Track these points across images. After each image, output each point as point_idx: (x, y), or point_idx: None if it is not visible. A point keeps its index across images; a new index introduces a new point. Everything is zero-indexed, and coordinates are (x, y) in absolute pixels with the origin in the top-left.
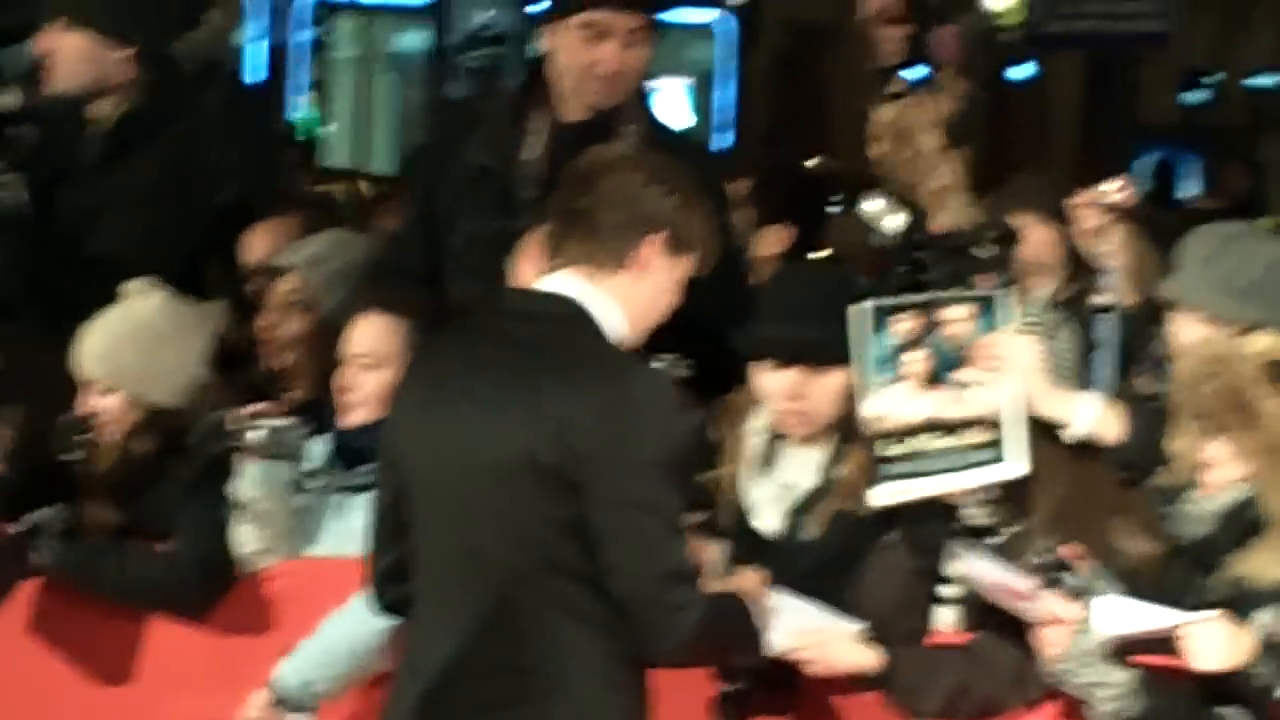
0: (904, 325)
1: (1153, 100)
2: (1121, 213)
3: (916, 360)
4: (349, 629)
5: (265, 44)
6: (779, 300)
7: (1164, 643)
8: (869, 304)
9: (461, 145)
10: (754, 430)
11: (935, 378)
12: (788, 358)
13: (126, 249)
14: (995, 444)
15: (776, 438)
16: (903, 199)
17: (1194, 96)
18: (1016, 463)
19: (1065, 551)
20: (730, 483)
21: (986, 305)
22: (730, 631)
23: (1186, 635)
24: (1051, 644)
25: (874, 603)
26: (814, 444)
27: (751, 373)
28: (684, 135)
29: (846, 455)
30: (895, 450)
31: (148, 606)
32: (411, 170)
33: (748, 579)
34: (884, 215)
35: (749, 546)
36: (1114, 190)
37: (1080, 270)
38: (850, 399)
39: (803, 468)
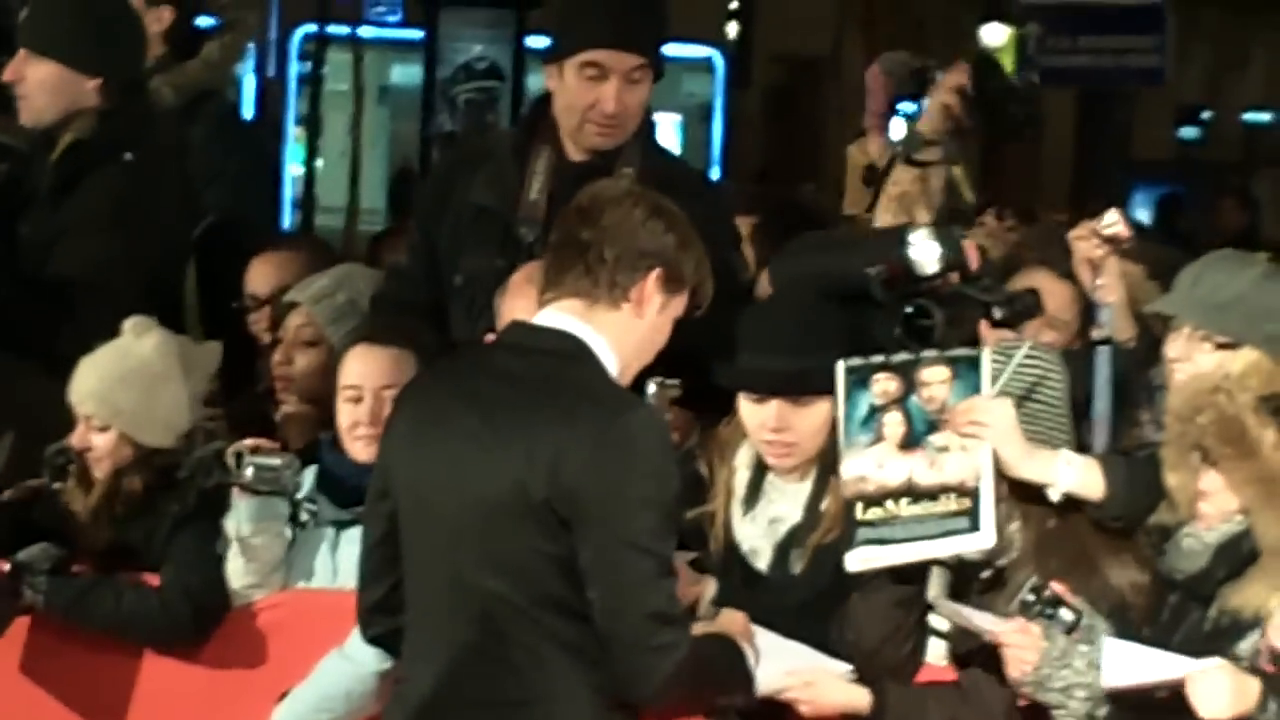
0: (883, 386)
1: (1147, 136)
2: (1117, 246)
3: (895, 422)
4: (346, 671)
5: (254, 78)
6: (759, 332)
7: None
8: (842, 365)
9: (464, 182)
10: (741, 465)
11: (913, 440)
12: (767, 389)
13: (80, 275)
14: (968, 513)
15: (762, 472)
16: (946, 233)
17: (1189, 132)
18: (987, 534)
19: (1057, 587)
20: (719, 517)
21: (966, 366)
22: (715, 674)
23: (1192, 683)
24: (1027, 650)
25: (862, 634)
26: (800, 478)
27: (739, 405)
28: (694, 171)
29: (831, 489)
30: (872, 514)
31: (139, 641)
32: (415, 205)
33: (734, 620)
34: (922, 248)
35: (739, 581)
36: (1110, 223)
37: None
38: (835, 431)
39: (789, 502)
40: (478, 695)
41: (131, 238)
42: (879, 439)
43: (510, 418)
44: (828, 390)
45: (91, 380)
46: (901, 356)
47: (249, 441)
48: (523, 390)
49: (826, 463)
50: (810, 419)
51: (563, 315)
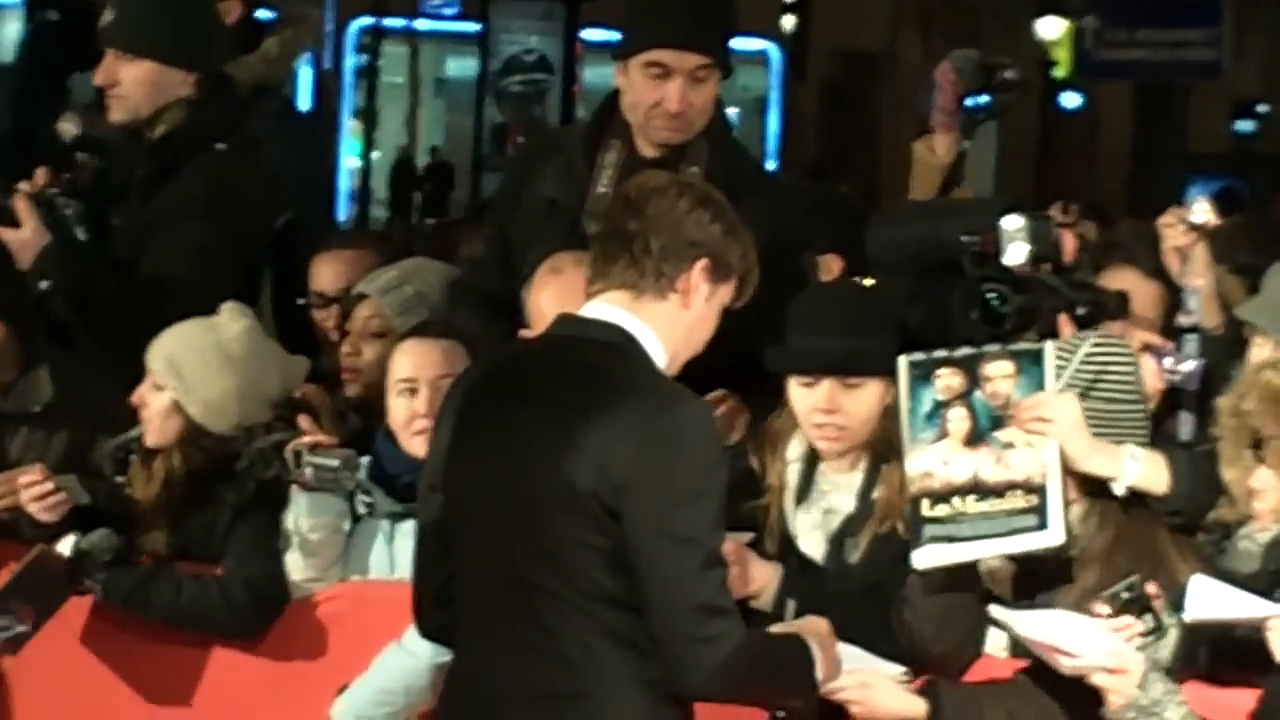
0: (946, 381)
1: (1203, 129)
2: (1205, 233)
3: (959, 418)
4: (404, 664)
5: (310, 71)
6: (807, 315)
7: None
8: (904, 360)
9: (536, 175)
10: (793, 457)
11: (978, 436)
12: (815, 369)
13: (176, 263)
14: (1036, 510)
15: (814, 464)
16: (1041, 226)
17: (1245, 125)
18: (1056, 531)
19: (1151, 589)
20: (773, 510)
21: (1030, 360)
22: (780, 674)
23: (1275, 627)
24: (1114, 693)
25: (919, 619)
26: (851, 468)
27: (789, 392)
28: (764, 169)
29: (884, 477)
30: (939, 511)
31: (199, 631)
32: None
33: (817, 625)
34: (1014, 238)
35: (795, 573)
36: (1199, 210)
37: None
38: (886, 417)
39: (842, 493)
40: (530, 688)
41: (226, 227)
42: (943, 435)
43: (558, 411)
44: (878, 372)
45: (167, 341)
46: (964, 351)
47: (307, 439)
48: (570, 383)
49: (878, 451)
50: (861, 401)
51: (609, 307)
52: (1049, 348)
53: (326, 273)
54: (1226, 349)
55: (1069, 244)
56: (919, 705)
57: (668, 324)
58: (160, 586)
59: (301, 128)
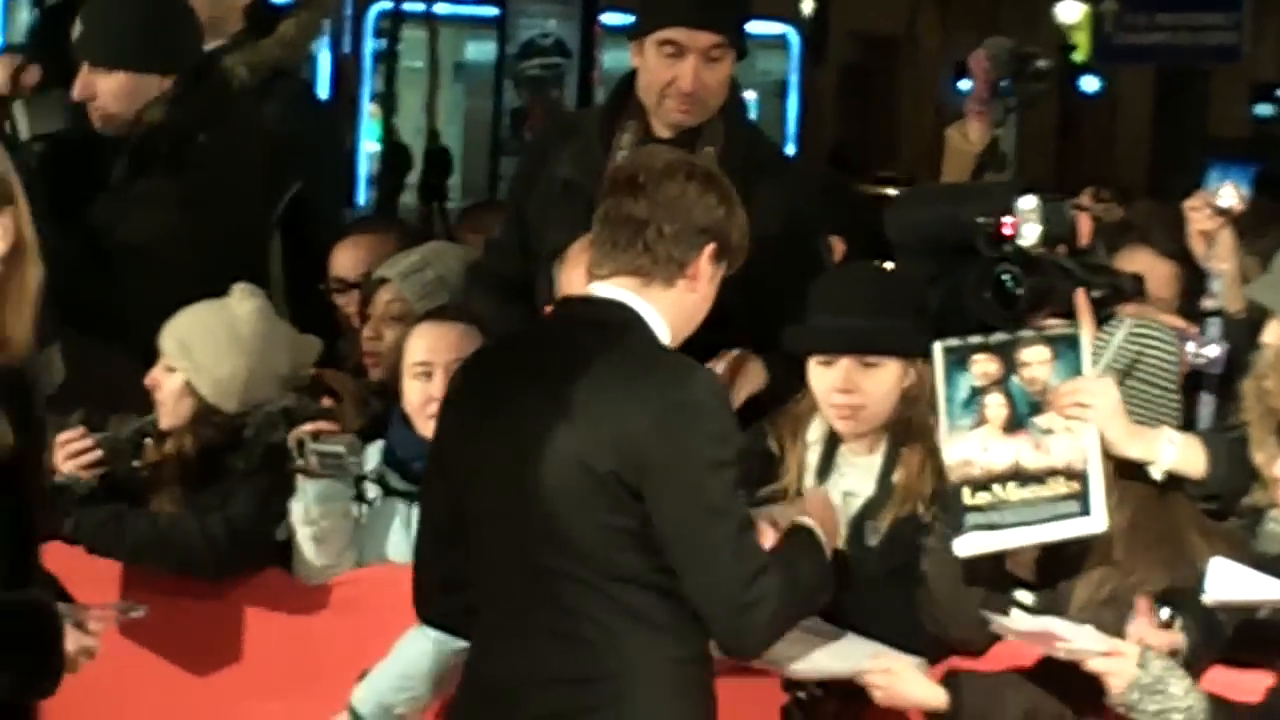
0: (982, 367)
1: (1223, 113)
2: (1231, 217)
3: (997, 404)
4: (426, 650)
5: (329, 55)
6: (825, 295)
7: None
8: (939, 346)
9: (553, 156)
10: (813, 440)
11: (1017, 422)
12: (833, 348)
13: (141, 249)
14: (1078, 496)
15: (834, 446)
16: (1055, 208)
17: (1264, 109)
18: (1098, 518)
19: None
20: (791, 493)
21: (1066, 345)
22: (810, 594)
23: None
24: (1115, 675)
25: (938, 598)
26: (870, 451)
27: (809, 373)
28: (781, 152)
29: (903, 461)
30: (980, 499)
31: (169, 565)
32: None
33: (814, 500)
34: (1027, 219)
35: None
36: (1225, 194)
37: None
38: (905, 399)
39: (861, 476)
40: (551, 673)
41: (199, 215)
42: (982, 421)
43: (571, 392)
44: (896, 352)
45: (179, 323)
46: (999, 336)
47: (309, 427)
48: (581, 364)
49: (897, 435)
50: (878, 381)
51: (617, 289)
52: (1085, 332)
53: (346, 258)
54: (1250, 333)
55: (1084, 226)
56: (940, 694)
57: (674, 307)
58: (135, 519)
59: (318, 111)
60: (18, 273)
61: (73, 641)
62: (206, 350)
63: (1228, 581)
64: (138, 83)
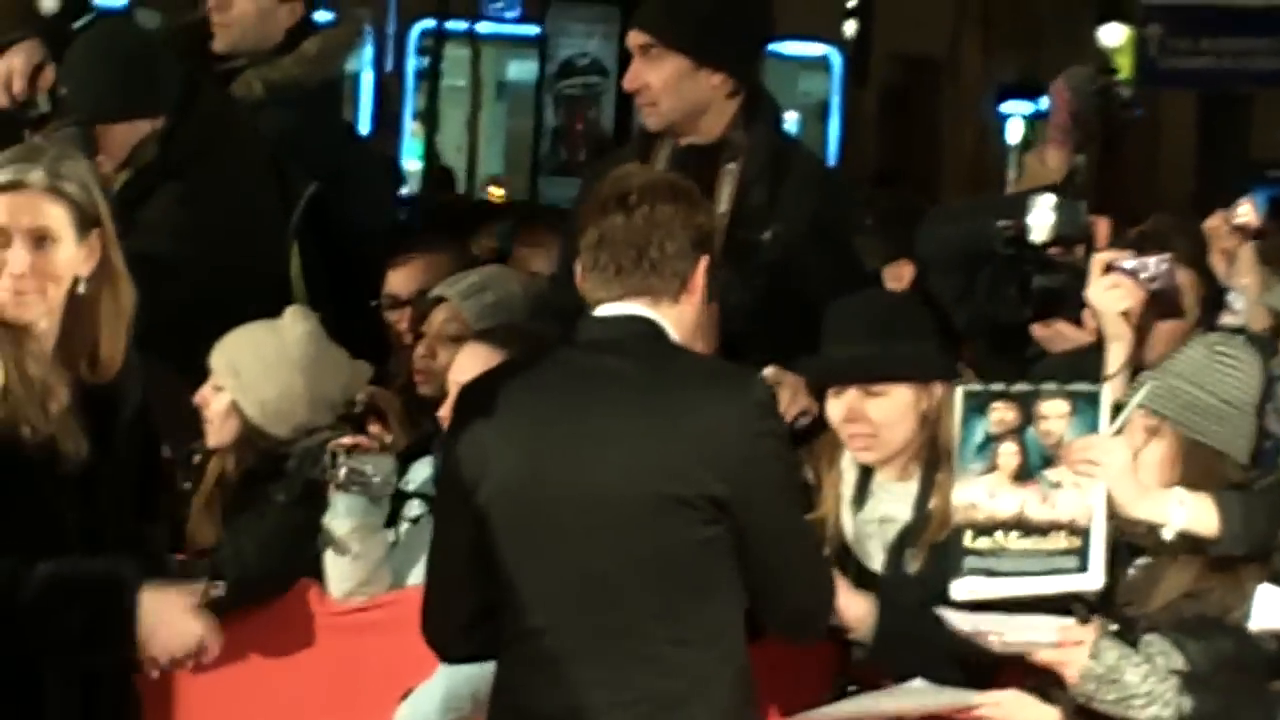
0: (1000, 415)
1: (1267, 138)
2: (1250, 234)
3: (1009, 453)
4: (471, 670)
5: (371, 73)
6: (830, 325)
7: None
8: (961, 390)
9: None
10: (847, 466)
11: (1028, 472)
12: (836, 377)
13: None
14: (1077, 552)
15: (869, 472)
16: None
17: None
18: (1095, 575)
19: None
20: (829, 520)
21: (1086, 401)
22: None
23: None
24: (1068, 666)
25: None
26: (905, 476)
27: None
28: (812, 159)
29: (939, 486)
30: (980, 544)
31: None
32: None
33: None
34: (1040, 214)
35: (856, 582)
36: (1242, 211)
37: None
38: (925, 423)
39: (897, 501)
40: (627, 697)
41: (203, 240)
42: (993, 468)
43: (631, 409)
44: (898, 377)
45: (230, 342)
46: (1021, 386)
47: (347, 440)
48: (631, 381)
49: (931, 459)
50: (884, 408)
51: (635, 307)
52: (1106, 391)
53: (400, 276)
54: (1273, 350)
55: (1102, 230)
56: (1054, 713)
57: (681, 320)
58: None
59: (344, 129)
60: (110, 294)
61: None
62: (254, 370)
63: (1273, 609)
64: (128, 130)
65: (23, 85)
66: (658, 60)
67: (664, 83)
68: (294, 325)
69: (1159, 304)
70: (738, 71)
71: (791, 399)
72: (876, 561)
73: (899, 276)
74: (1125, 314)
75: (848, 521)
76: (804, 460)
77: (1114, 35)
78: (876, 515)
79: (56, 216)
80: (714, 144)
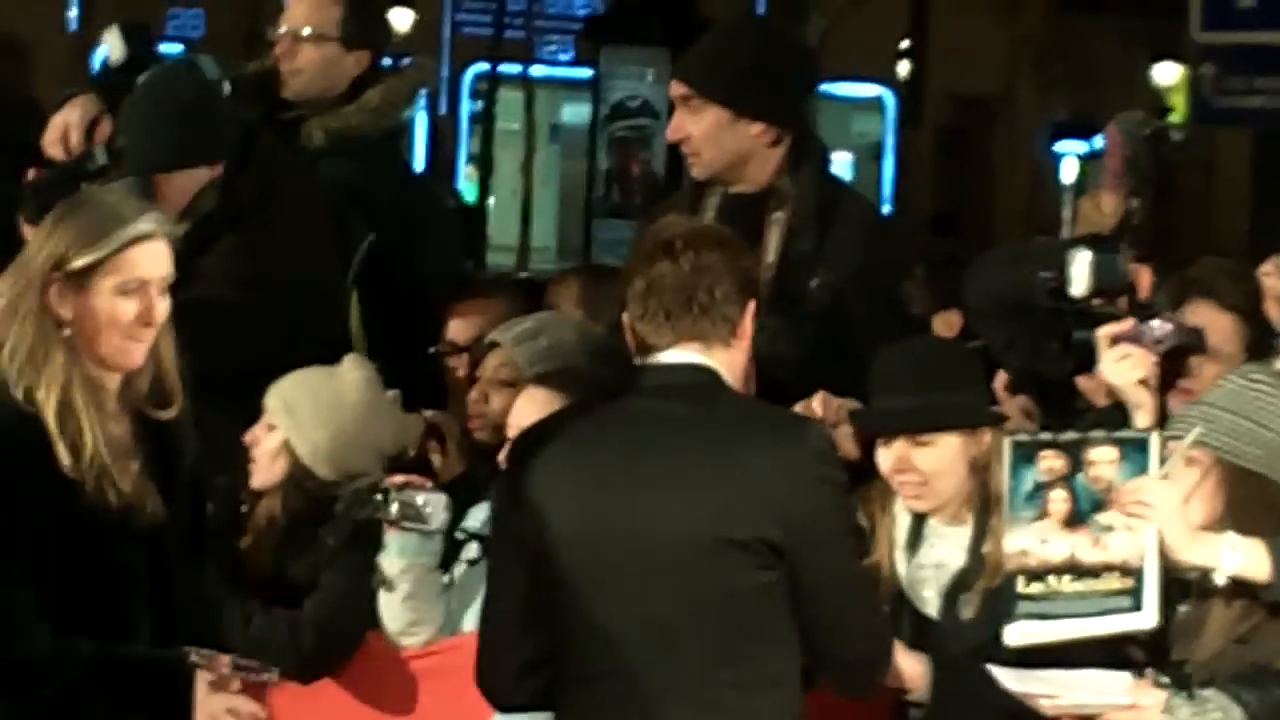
0: (1049, 463)
1: None
2: None
3: (1060, 499)
4: (539, 716)
5: (426, 117)
6: (877, 375)
7: None
8: (1008, 440)
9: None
10: (900, 511)
11: (1078, 518)
12: (881, 429)
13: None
14: (1131, 592)
15: (922, 517)
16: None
17: None
18: (1150, 614)
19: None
20: (884, 566)
21: (1134, 447)
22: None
23: None
24: None
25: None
26: (958, 521)
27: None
28: (860, 204)
29: (992, 531)
30: (1034, 589)
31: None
32: None
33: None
34: (1079, 268)
35: (911, 628)
36: None
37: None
38: (975, 469)
39: (951, 546)
40: None
41: (261, 289)
42: (1043, 515)
43: (689, 455)
44: (943, 427)
45: (286, 383)
46: (1069, 435)
47: (399, 478)
48: (688, 426)
49: (984, 505)
50: (933, 458)
51: (688, 354)
52: (1154, 437)
53: (458, 322)
54: None
55: (1144, 279)
56: None
57: (732, 365)
58: (230, 612)
59: (410, 178)
60: (166, 332)
61: (220, 703)
62: (308, 411)
63: None
64: (187, 178)
65: (79, 138)
66: (698, 111)
67: (704, 133)
68: (351, 372)
69: (1176, 357)
70: (779, 120)
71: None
72: (931, 607)
73: (949, 324)
74: (1142, 381)
75: (901, 566)
76: (857, 505)
77: (1168, 74)
78: (930, 560)
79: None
80: (761, 192)
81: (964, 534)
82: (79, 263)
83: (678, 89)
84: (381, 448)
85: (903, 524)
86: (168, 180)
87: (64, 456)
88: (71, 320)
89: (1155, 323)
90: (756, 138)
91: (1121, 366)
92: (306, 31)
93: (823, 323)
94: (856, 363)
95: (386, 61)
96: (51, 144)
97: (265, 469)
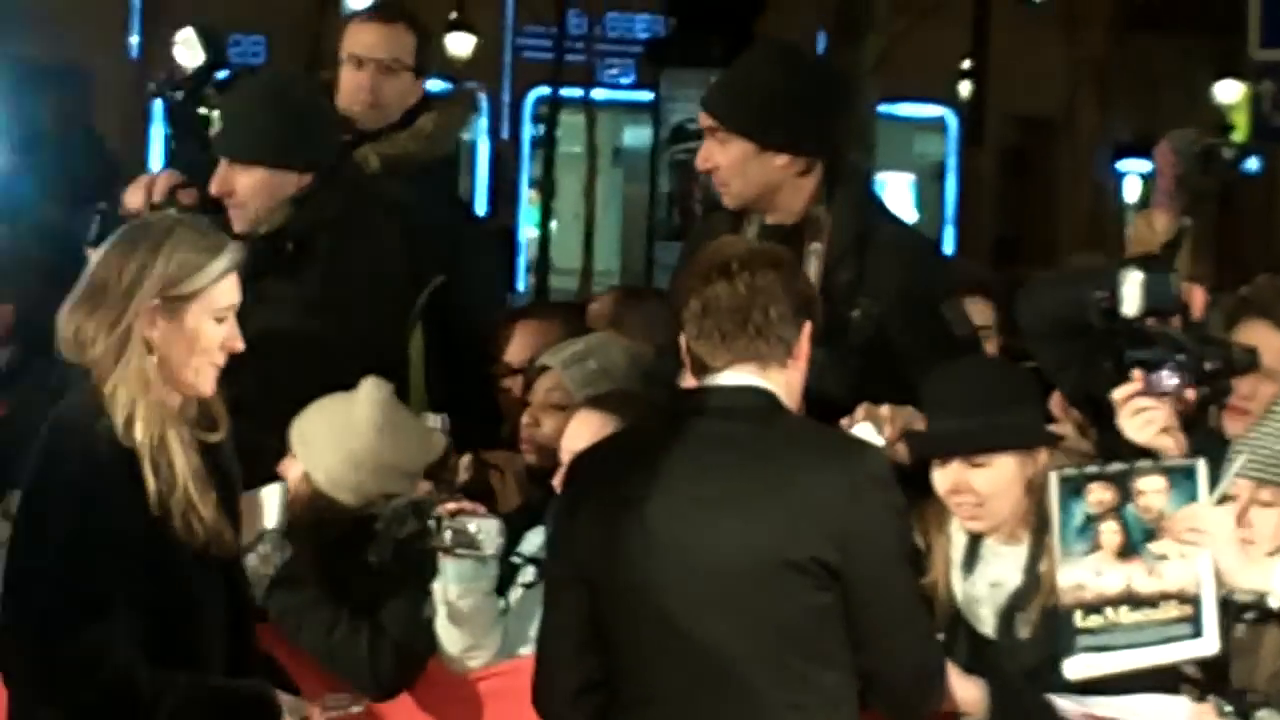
0: (1098, 495)
1: None
2: None
3: (1111, 531)
4: None
5: (488, 141)
6: (933, 396)
7: None
8: (1055, 475)
9: (700, 248)
10: (956, 530)
11: (1131, 548)
12: (938, 450)
13: (284, 355)
14: (1190, 619)
15: (979, 537)
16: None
17: None
18: (1210, 640)
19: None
20: (940, 585)
21: (1183, 475)
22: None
23: None
24: None
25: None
26: (1014, 540)
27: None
28: (896, 231)
29: (1048, 549)
30: (1091, 622)
31: (338, 673)
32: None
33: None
34: (1131, 288)
35: (967, 647)
36: None
37: None
38: (1031, 489)
39: (1007, 565)
40: None
41: (324, 315)
42: (1096, 548)
43: (746, 477)
44: (998, 448)
45: (306, 414)
46: (1116, 466)
47: (450, 505)
48: (750, 451)
49: (1040, 523)
50: (989, 479)
51: (744, 376)
52: (1201, 464)
53: (514, 344)
54: None
55: (1197, 299)
56: None
57: (788, 386)
58: (316, 617)
59: (459, 206)
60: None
61: None
62: (321, 437)
63: None
64: (275, 179)
65: (162, 193)
66: (725, 142)
67: (731, 165)
68: (365, 395)
69: (1196, 402)
70: (806, 150)
71: (894, 415)
72: (987, 626)
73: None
74: (1165, 430)
75: (958, 586)
76: (913, 525)
77: (1230, 92)
78: (987, 580)
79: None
80: (798, 222)
81: (1020, 553)
82: (184, 289)
83: (704, 120)
84: (402, 467)
85: (959, 543)
86: (251, 174)
87: (156, 488)
88: (159, 346)
89: (1165, 372)
90: (784, 169)
91: (1138, 423)
92: (388, 60)
93: (868, 352)
94: (902, 390)
95: (441, 86)
96: (132, 195)
97: (297, 495)
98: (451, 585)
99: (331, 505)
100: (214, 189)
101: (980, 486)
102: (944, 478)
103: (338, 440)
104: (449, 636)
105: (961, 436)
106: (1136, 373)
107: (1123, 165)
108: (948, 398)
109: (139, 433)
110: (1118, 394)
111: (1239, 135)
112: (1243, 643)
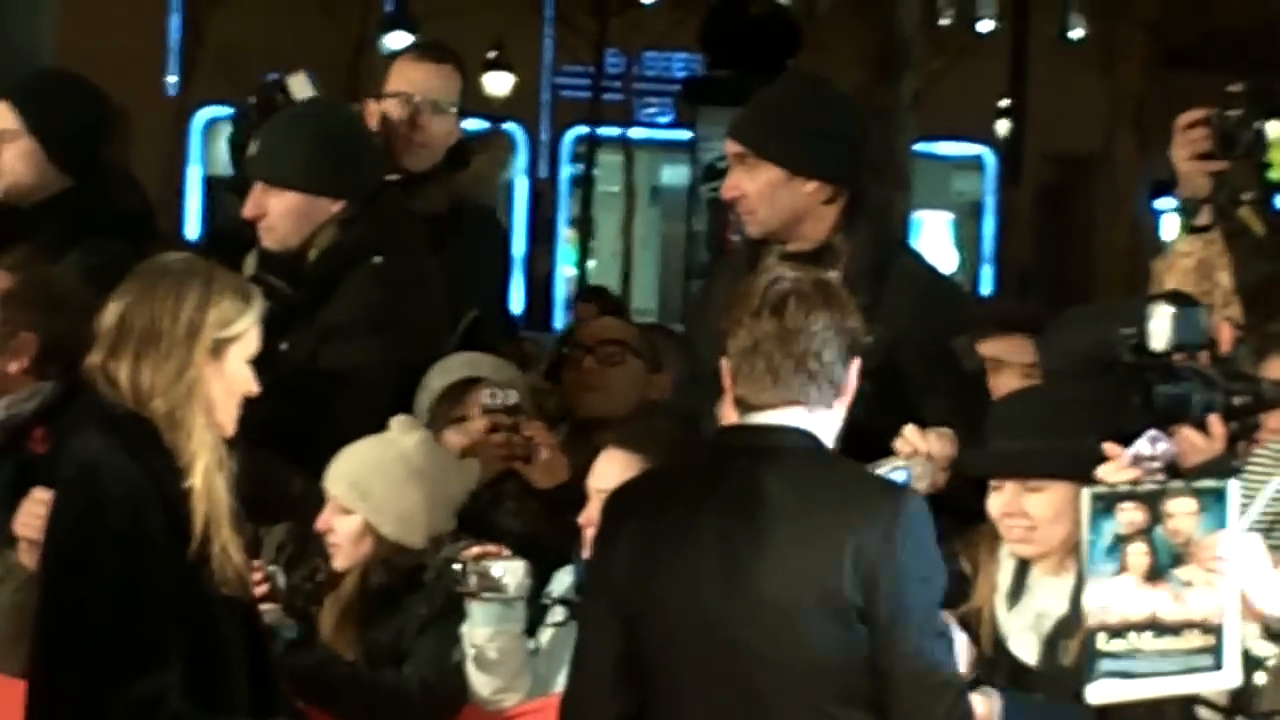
0: (1129, 516)
1: None
2: None
3: (1139, 553)
4: None
5: (526, 180)
6: (997, 418)
7: None
8: (1087, 493)
9: (720, 283)
10: (1003, 558)
11: (1158, 572)
12: (994, 472)
13: (338, 380)
14: (1211, 650)
15: (1025, 566)
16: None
17: None
18: (1232, 673)
19: None
20: (984, 613)
21: (1213, 498)
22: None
23: None
24: None
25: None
26: (1061, 570)
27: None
28: (910, 265)
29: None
30: (1114, 646)
31: None
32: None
33: None
34: (1158, 323)
35: (1010, 675)
36: None
37: None
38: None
39: (1053, 595)
40: None
41: (386, 339)
42: (1123, 569)
43: (783, 519)
44: (1053, 474)
45: (347, 464)
46: (1148, 486)
47: (475, 549)
48: (784, 491)
49: None
50: (1043, 504)
51: (788, 415)
52: (1233, 487)
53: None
54: None
55: (1225, 334)
56: None
57: (832, 423)
58: (342, 675)
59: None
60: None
61: None
62: (383, 487)
63: None
64: (309, 204)
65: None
66: (753, 169)
67: (759, 192)
68: (408, 435)
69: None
70: (834, 178)
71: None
72: (1031, 656)
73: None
74: None
75: (1002, 615)
76: (959, 551)
77: (1271, 129)
78: (1032, 609)
79: None
80: (816, 250)
81: (1066, 584)
82: (230, 332)
83: (733, 147)
84: (453, 501)
85: (1007, 570)
86: (285, 198)
87: (202, 531)
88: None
89: (1144, 444)
90: (811, 196)
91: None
92: (438, 100)
93: (880, 380)
94: (909, 419)
95: (477, 124)
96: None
97: (349, 553)
98: (478, 629)
99: (397, 553)
100: (247, 211)
101: (1033, 511)
102: (998, 499)
103: (404, 486)
104: (479, 680)
105: (1020, 459)
106: (1111, 448)
107: (1160, 203)
108: (1010, 420)
109: (198, 476)
110: (1101, 470)
111: (1275, 174)
112: (1276, 669)
